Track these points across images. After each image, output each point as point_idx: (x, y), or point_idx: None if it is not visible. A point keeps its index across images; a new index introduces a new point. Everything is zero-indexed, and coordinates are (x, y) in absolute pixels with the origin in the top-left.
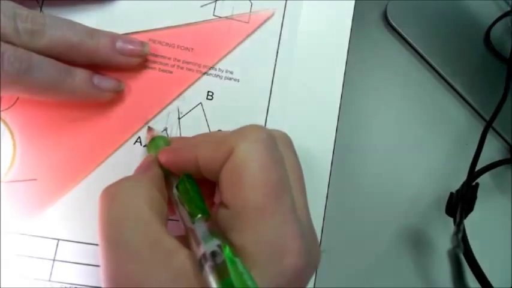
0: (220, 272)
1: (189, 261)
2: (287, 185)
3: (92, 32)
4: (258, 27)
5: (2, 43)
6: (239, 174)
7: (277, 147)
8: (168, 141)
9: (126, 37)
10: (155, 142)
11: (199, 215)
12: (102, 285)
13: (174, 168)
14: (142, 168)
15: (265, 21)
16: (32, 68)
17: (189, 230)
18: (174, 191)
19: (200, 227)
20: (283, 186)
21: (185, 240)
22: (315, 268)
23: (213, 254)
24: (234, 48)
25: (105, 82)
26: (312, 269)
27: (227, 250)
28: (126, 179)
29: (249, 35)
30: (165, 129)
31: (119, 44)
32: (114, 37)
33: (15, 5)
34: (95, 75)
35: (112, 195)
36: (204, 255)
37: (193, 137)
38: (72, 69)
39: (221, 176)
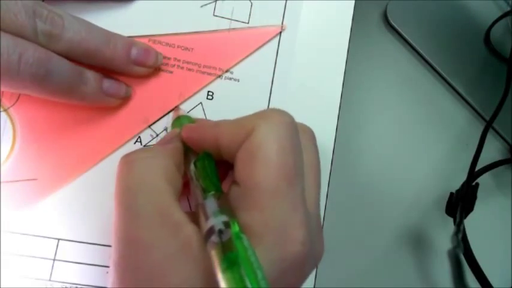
0: (225, 248)
1: (196, 236)
2: (301, 173)
3: (109, 38)
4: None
5: (22, 41)
6: (256, 154)
7: (298, 135)
8: (193, 120)
9: (141, 45)
10: (180, 120)
11: (213, 192)
12: (112, 245)
13: (195, 145)
14: (164, 141)
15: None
16: (49, 73)
17: (199, 206)
18: (192, 167)
19: (211, 203)
20: (297, 173)
21: (194, 217)
22: (316, 262)
23: (220, 231)
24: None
25: (113, 88)
26: (313, 262)
27: (235, 226)
28: (144, 150)
29: (250, 41)
30: (165, 129)
31: (134, 53)
32: (130, 44)
33: (35, 2)
34: (105, 80)
35: (130, 163)
36: (210, 229)
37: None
38: (84, 74)
39: (238, 154)
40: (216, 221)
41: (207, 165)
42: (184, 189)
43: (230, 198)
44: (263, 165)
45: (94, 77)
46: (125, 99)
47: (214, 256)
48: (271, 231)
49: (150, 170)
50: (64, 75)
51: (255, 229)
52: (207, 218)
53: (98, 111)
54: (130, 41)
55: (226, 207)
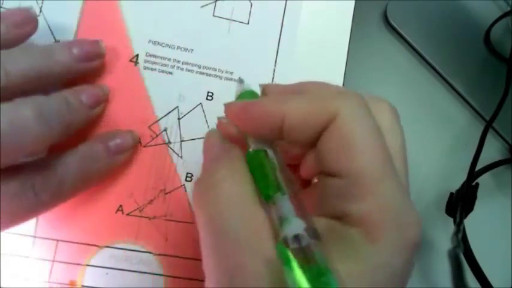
0: (305, 257)
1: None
2: (391, 154)
3: (47, 51)
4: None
5: (27, 174)
6: (350, 139)
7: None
8: (255, 96)
9: (79, 41)
10: (244, 97)
11: (275, 194)
12: (207, 274)
13: (250, 129)
14: (217, 149)
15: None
16: (62, 181)
17: (268, 208)
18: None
19: (277, 206)
20: (391, 153)
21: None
22: None
23: (296, 238)
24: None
25: (120, 145)
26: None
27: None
28: (214, 171)
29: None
30: (165, 129)
31: (75, 51)
32: (69, 45)
33: None
34: (110, 142)
35: (208, 191)
36: (284, 240)
37: (292, 87)
38: (91, 149)
39: (323, 142)
40: (291, 229)
41: (257, 164)
42: None
43: (327, 191)
44: (363, 151)
45: (99, 146)
46: (120, 94)
47: (287, 271)
48: (389, 218)
49: (233, 192)
50: (75, 172)
51: (373, 218)
52: (279, 224)
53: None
54: (68, 42)
55: (300, 205)
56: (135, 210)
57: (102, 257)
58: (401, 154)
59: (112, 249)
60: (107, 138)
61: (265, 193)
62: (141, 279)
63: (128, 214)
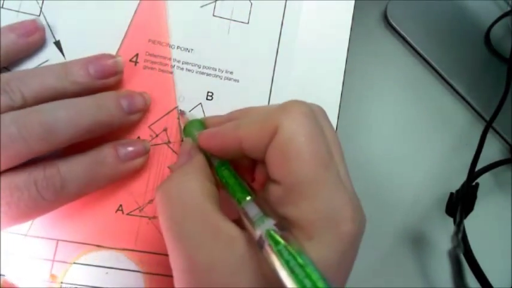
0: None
1: (251, 243)
2: (332, 155)
3: (63, 71)
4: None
5: (31, 170)
6: (287, 150)
7: (318, 119)
8: (203, 123)
9: (96, 58)
10: (191, 126)
11: (247, 198)
12: (176, 279)
13: (216, 152)
14: (185, 157)
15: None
16: (65, 181)
17: (241, 212)
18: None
19: (251, 209)
20: (329, 156)
21: (240, 220)
22: (362, 235)
23: (270, 235)
24: (234, 49)
25: (131, 153)
26: (362, 234)
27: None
28: (175, 176)
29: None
30: (165, 130)
31: (92, 70)
32: (86, 64)
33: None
34: (119, 147)
35: (166, 194)
36: (261, 237)
37: (230, 115)
38: (99, 154)
39: (268, 154)
40: (263, 227)
41: (226, 175)
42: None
43: (271, 196)
44: (297, 159)
45: (109, 150)
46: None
47: (275, 263)
48: (321, 218)
49: (188, 194)
50: (78, 173)
51: (306, 220)
52: (252, 225)
53: None
54: (85, 60)
55: (265, 205)
56: (135, 209)
57: (103, 256)
58: (338, 149)
59: (111, 249)
60: (119, 144)
61: (239, 198)
62: (140, 279)
63: (128, 214)
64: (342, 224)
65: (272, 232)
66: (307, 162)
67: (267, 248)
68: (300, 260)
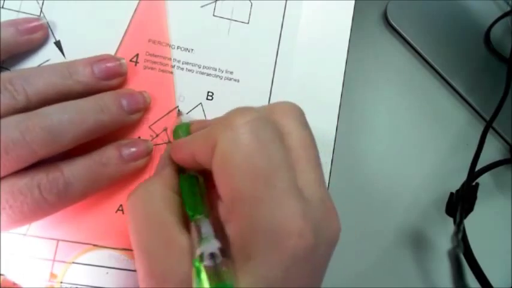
0: (217, 274)
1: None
2: (280, 165)
3: (67, 71)
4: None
5: (34, 174)
6: (223, 166)
7: (270, 126)
8: (188, 129)
9: (100, 58)
10: (178, 130)
11: (197, 216)
12: (142, 283)
13: (181, 164)
14: (160, 165)
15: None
16: (68, 183)
17: (191, 227)
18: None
19: (201, 227)
20: (274, 168)
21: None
22: (331, 245)
23: (212, 256)
24: (234, 49)
25: (134, 154)
26: (326, 247)
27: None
28: (142, 185)
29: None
30: (165, 130)
31: (97, 70)
32: (90, 64)
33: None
34: (122, 148)
35: (132, 201)
36: (201, 256)
37: (207, 123)
38: (102, 155)
39: (212, 169)
40: (203, 249)
41: (183, 187)
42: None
43: (219, 213)
44: (233, 175)
45: (112, 151)
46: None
47: (195, 283)
48: (261, 235)
49: (149, 205)
50: (81, 174)
51: (245, 240)
52: (198, 243)
53: None
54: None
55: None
56: None
57: (103, 256)
58: (305, 154)
59: (110, 249)
60: (122, 145)
61: (190, 213)
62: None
63: None
64: (284, 241)
65: (198, 263)
66: (243, 179)
67: (198, 268)
68: None
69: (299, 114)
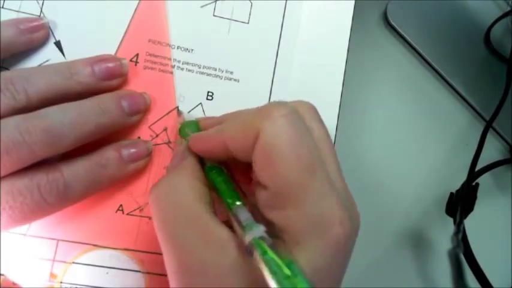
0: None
1: (242, 246)
2: (318, 156)
3: (68, 70)
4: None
5: (33, 174)
6: (270, 154)
7: (301, 120)
8: (197, 125)
9: (101, 59)
10: (184, 128)
11: (237, 203)
12: (170, 280)
13: (205, 155)
14: (178, 158)
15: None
16: (68, 184)
17: (231, 217)
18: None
19: (240, 214)
20: (315, 158)
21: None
22: (357, 233)
23: (258, 243)
24: (234, 49)
25: (134, 155)
26: (356, 234)
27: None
28: (167, 177)
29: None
30: (165, 130)
31: (97, 70)
32: (91, 64)
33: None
34: (122, 149)
35: (158, 195)
36: (250, 244)
37: (221, 118)
38: (102, 156)
39: (253, 157)
40: (252, 234)
41: (215, 179)
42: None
43: (259, 200)
44: (281, 164)
45: (112, 152)
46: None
47: (265, 271)
48: (308, 224)
49: (179, 195)
50: (80, 175)
51: (293, 226)
52: (242, 231)
53: None
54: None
55: (255, 211)
56: (135, 209)
57: (103, 256)
58: (327, 146)
59: (110, 249)
60: (122, 146)
61: (229, 201)
62: (140, 279)
63: (128, 214)
64: (330, 228)
65: (260, 241)
66: (291, 167)
67: (256, 256)
68: (287, 272)
69: (317, 112)
